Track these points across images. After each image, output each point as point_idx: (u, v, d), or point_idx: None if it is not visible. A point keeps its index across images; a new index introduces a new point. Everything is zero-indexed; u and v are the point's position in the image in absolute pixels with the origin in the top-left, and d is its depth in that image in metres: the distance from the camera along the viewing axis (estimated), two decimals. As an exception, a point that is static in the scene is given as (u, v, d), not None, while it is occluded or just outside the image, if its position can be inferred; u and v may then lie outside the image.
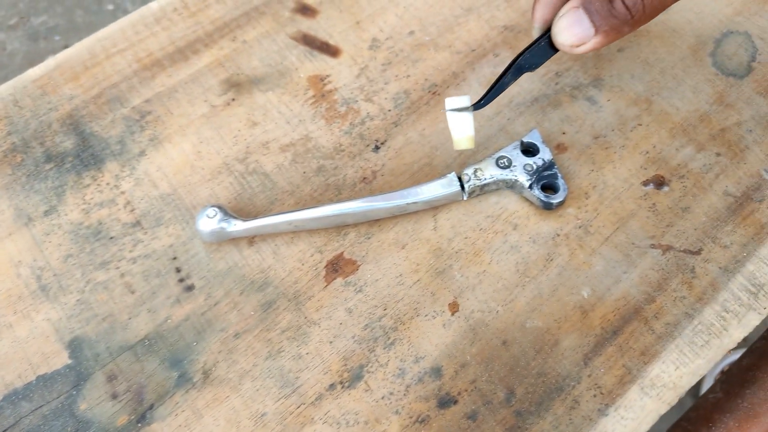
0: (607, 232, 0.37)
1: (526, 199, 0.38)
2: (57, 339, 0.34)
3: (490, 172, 0.37)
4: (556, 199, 0.37)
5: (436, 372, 0.33)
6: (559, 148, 0.40)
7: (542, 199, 0.37)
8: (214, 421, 0.32)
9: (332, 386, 0.33)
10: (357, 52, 0.44)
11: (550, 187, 0.38)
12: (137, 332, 0.34)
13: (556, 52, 0.34)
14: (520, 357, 0.33)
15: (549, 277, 0.36)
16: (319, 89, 0.42)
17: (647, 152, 0.39)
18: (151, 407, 0.33)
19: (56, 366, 0.34)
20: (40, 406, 0.33)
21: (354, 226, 0.37)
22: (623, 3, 0.30)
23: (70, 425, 0.32)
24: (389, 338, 0.34)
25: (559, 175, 0.37)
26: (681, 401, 0.32)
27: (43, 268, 0.36)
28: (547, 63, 0.42)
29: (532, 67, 0.35)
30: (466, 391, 0.33)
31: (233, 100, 0.42)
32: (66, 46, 0.44)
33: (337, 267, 0.36)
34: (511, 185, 0.38)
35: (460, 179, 0.37)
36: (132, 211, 0.38)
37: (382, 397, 0.33)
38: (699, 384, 0.83)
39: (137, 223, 0.38)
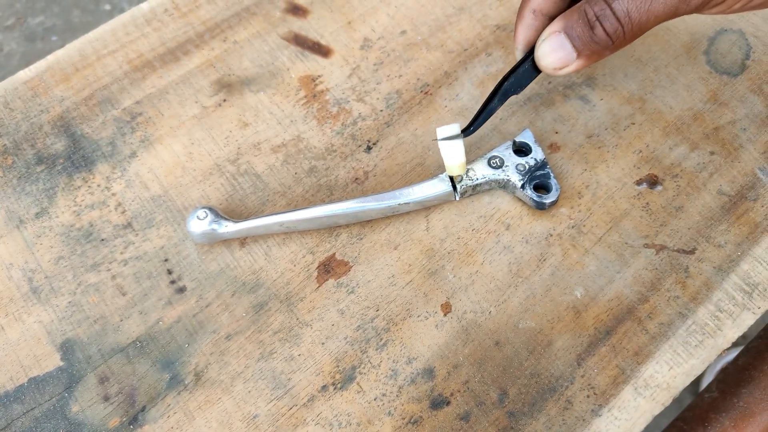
0: (600, 231, 0.37)
1: (519, 199, 0.38)
2: (49, 341, 0.34)
3: (482, 172, 0.37)
4: (548, 199, 0.36)
5: (429, 373, 0.33)
6: (551, 147, 0.39)
7: (535, 199, 0.36)
8: (206, 423, 0.32)
9: (324, 388, 0.33)
10: (348, 52, 0.44)
11: (542, 187, 0.37)
12: (129, 334, 0.34)
13: (540, 74, 0.34)
14: (513, 357, 0.33)
15: (542, 277, 0.35)
16: (311, 90, 0.42)
17: (640, 151, 0.39)
18: (143, 409, 0.32)
19: (48, 368, 0.34)
20: (32, 409, 0.33)
21: (346, 227, 0.37)
22: (604, 30, 0.31)
23: (62, 427, 0.32)
24: (382, 339, 0.34)
25: (551, 174, 0.37)
26: (680, 399, 0.32)
27: (34, 271, 0.36)
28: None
29: (517, 90, 0.35)
30: (459, 392, 0.33)
31: (224, 101, 0.42)
32: (63, 47, 0.44)
33: (329, 268, 0.36)
34: (504, 185, 0.38)
35: (452, 179, 0.37)
36: (123, 212, 0.38)
37: (375, 399, 0.33)
38: (699, 382, 0.83)
39: (128, 225, 0.38)
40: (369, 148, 0.40)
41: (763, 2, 0.32)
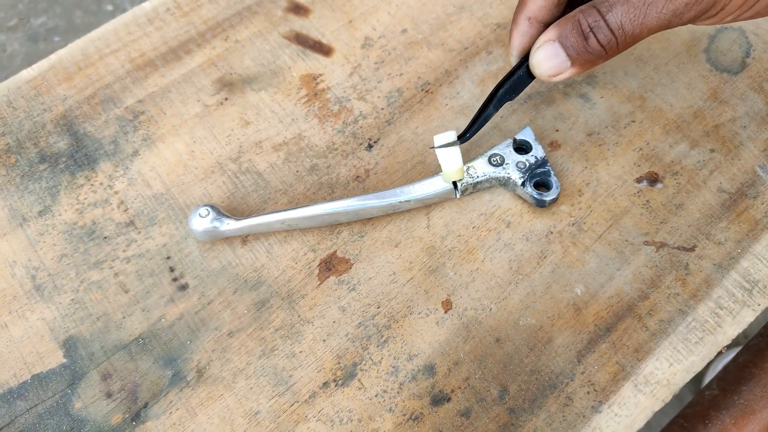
0: (601, 229, 0.37)
1: (519, 197, 0.38)
2: (52, 338, 0.34)
3: (482, 170, 0.37)
4: (549, 197, 0.37)
5: (430, 370, 0.33)
6: (552, 145, 0.40)
7: (535, 196, 0.37)
8: (208, 420, 0.32)
9: (326, 384, 0.33)
10: (350, 50, 0.44)
11: (543, 185, 0.38)
12: (131, 331, 0.35)
13: (534, 80, 0.35)
14: (514, 354, 0.33)
15: (542, 274, 0.36)
16: (312, 88, 0.42)
17: (641, 149, 0.39)
18: (145, 406, 0.33)
19: (51, 365, 0.34)
20: (35, 405, 0.33)
21: (347, 224, 0.37)
22: (597, 41, 0.31)
23: (65, 424, 0.32)
24: (383, 336, 0.34)
25: (552, 172, 0.37)
26: (681, 396, 0.32)
27: (37, 268, 0.36)
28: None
29: (512, 97, 0.35)
30: (460, 388, 0.33)
31: (226, 99, 0.42)
32: (65, 47, 0.44)
33: (331, 265, 0.36)
34: (504, 183, 0.38)
35: (452, 177, 0.37)
36: (126, 210, 0.38)
37: (376, 395, 0.33)
38: (701, 380, 0.83)
39: (131, 223, 0.38)
40: (370, 147, 0.40)
41: (754, 13, 0.32)
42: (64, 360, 0.34)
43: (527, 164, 0.37)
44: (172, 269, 0.36)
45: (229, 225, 0.36)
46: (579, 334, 0.34)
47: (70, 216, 0.38)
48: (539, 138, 0.40)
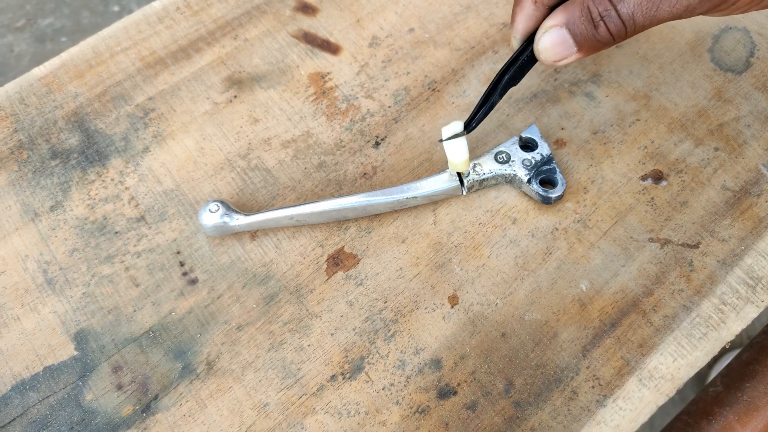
0: (606, 226, 0.37)
1: (525, 194, 0.38)
2: (63, 331, 0.35)
3: (489, 167, 0.38)
4: (554, 194, 0.37)
5: (436, 363, 0.34)
6: (557, 143, 0.40)
7: (541, 193, 0.37)
8: (218, 411, 0.33)
9: (333, 377, 0.33)
10: (357, 49, 0.44)
11: (548, 182, 0.38)
12: (142, 324, 0.35)
13: (536, 63, 0.34)
14: (519, 349, 0.34)
15: (548, 270, 0.36)
16: (320, 86, 0.43)
17: (645, 147, 0.40)
18: (155, 398, 0.33)
19: (63, 357, 0.34)
20: (47, 397, 0.33)
21: (355, 220, 0.38)
22: (607, 29, 0.31)
23: (76, 415, 0.33)
24: (390, 330, 0.35)
25: (557, 169, 0.38)
26: (684, 395, 0.33)
27: (49, 262, 0.37)
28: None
29: (516, 82, 0.35)
30: (466, 382, 0.33)
31: (235, 97, 0.43)
32: (77, 44, 0.45)
33: (338, 261, 0.37)
34: (510, 180, 0.38)
35: (459, 174, 0.37)
36: (136, 206, 0.39)
37: (383, 388, 0.33)
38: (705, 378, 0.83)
39: (141, 218, 0.38)
40: (377, 144, 0.41)
41: (765, 5, 0.32)
42: (76, 352, 0.34)
43: (533, 161, 0.38)
44: (182, 264, 0.37)
45: (239, 220, 0.36)
46: (584, 329, 0.34)
47: (81, 211, 0.39)
48: (545, 136, 0.40)
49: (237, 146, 0.41)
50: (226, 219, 0.36)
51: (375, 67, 0.43)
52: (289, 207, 0.36)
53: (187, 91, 0.43)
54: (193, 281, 0.36)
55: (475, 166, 0.38)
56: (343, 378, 0.33)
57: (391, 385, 0.33)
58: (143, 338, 0.35)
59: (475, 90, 0.42)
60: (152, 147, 0.41)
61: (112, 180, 0.40)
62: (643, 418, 0.32)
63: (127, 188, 0.39)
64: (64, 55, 0.44)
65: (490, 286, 0.36)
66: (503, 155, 0.38)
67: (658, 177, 0.39)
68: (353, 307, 0.35)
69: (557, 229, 0.37)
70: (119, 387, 0.33)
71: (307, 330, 0.35)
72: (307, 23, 0.45)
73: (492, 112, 0.38)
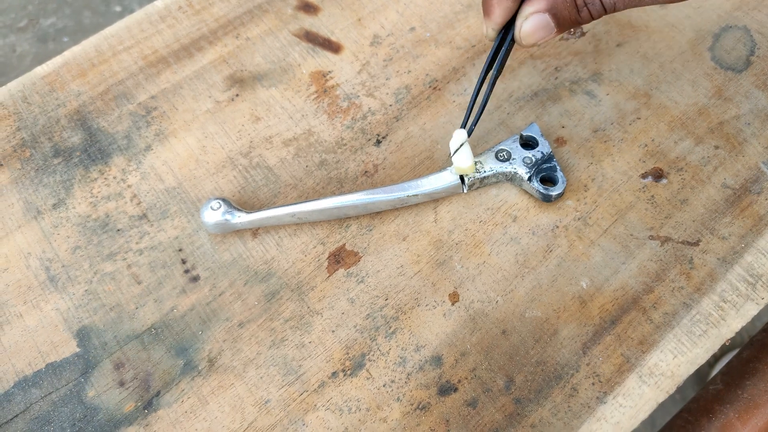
0: (606, 223, 0.37)
1: (526, 192, 0.38)
2: (65, 328, 0.35)
3: (489, 165, 0.38)
4: (555, 192, 0.37)
5: (437, 360, 0.34)
6: (558, 141, 0.40)
7: (541, 191, 0.37)
8: (219, 408, 0.33)
9: (335, 374, 0.34)
10: (358, 48, 0.44)
11: (549, 180, 0.38)
12: (144, 321, 0.35)
13: (513, 46, 0.36)
14: (520, 346, 0.34)
15: (548, 268, 0.36)
16: (322, 85, 0.43)
17: (646, 145, 0.40)
18: (157, 394, 0.33)
19: (65, 354, 0.34)
20: (50, 393, 0.33)
21: (356, 218, 0.38)
22: (589, 12, 0.33)
23: (79, 411, 0.33)
24: (390, 327, 0.35)
25: (558, 167, 0.38)
26: (684, 393, 0.33)
27: (51, 260, 0.37)
28: (547, 58, 0.43)
29: (500, 73, 0.36)
30: (466, 379, 0.33)
31: (237, 95, 0.43)
32: (79, 44, 0.45)
33: (340, 258, 0.37)
34: (511, 178, 0.38)
35: (460, 172, 0.37)
36: (138, 204, 0.39)
37: (384, 385, 0.33)
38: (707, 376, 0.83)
39: (143, 216, 0.38)
40: (378, 142, 0.41)
41: None
42: (78, 349, 0.35)
43: (534, 160, 0.38)
44: (184, 261, 0.37)
45: (240, 218, 0.36)
46: (584, 326, 0.34)
47: (83, 209, 0.39)
48: (545, 134, 0.40)
49: (239, 144, 0.41)
50: (228, 217, 0.36)
51: (376, 66, 0.44)
52: (291, 205, 0.37)
53: (189, 89, 0.43)
54: (195, 278, 0.36)
55: (476, 164, 0.38)
56: (344, 375, 0.34)
57: (392, 381, 0.33)
58: (145, 335, 0.35)
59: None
60: (154, 145, 0.41)
61: (115, 178, 0.40)
62: (644, 414, 0.32)
63: (129, 186, 0.40)
64: (67, 54, 0.45)
65: (491, 284, 0.36)
66: (504, 153, 0.38)
67: (658, 175, 0.39)
68: (354, 305, 0.35)
69: (558, 227, 0.37)
70: (121, 384, 0.34)
71: (308, 327, 0.35)
72: (308, 22, 0.46)
73: (492, 110, 0.39)
